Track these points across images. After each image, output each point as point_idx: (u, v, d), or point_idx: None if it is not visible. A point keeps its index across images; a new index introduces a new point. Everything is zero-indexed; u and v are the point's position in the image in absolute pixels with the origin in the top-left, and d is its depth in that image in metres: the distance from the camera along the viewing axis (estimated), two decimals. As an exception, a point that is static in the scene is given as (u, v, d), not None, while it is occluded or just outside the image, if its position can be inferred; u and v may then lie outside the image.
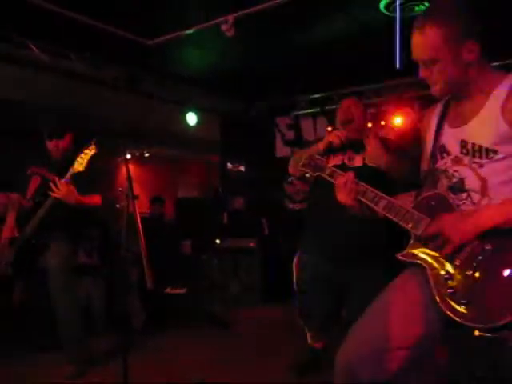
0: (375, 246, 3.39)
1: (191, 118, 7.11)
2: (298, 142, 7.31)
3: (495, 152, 1.82)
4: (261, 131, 7.65)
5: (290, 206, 7.04)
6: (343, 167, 3.43)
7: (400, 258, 1.95)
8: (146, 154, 8.63)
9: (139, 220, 3.09)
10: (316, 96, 7.14)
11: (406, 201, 2.05)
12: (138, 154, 8.57)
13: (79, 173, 3.89)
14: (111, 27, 4.94)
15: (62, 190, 3.87)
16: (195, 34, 5.03)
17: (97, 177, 4.26)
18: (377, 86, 6.71)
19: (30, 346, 4.67)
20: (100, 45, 5.36)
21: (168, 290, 5.86)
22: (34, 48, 5.24)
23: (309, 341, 3.92)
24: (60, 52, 5.47)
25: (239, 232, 6.67)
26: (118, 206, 5.69)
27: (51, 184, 3.90)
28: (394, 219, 1.96)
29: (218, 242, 6.35)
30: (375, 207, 2.02)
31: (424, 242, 1.89)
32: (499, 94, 1.84)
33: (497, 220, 1.72)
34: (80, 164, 3.86)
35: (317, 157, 2.35)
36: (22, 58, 5.33)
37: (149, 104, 6.95)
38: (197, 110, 7.19)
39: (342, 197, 2.13)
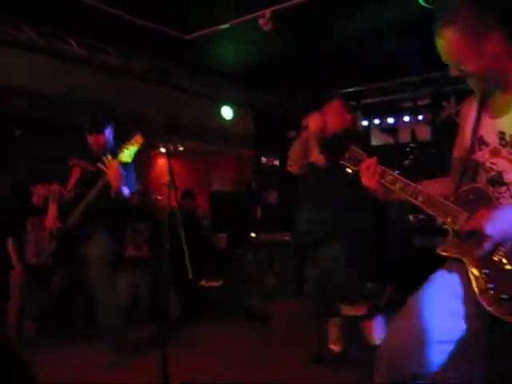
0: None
1: (227, 112, 7.13)
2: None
3: None
4: (295, 125, 7.63)
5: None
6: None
7: (440, 252, 1.93)
8: (181, 148, 8.68)
9: (179, 212, 3.15)
10: (351, 90, 7.09)
11: (430, 187, 2.04)
12: (172, 147, 8.62)
13: (125, 164, 3.91)
14: (148, 22, 4.99)
15: (112, 169, 3.86)
16: (231, 29, 5.05)
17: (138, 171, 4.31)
18: (414, 80, 6.64)
19: (70, 334, 4.78)
20: (137, 39, 5.41)
21: (203, 283, 5.91)
22: (73, 42, 5.33)
23: (329, 343, 4.02)
24: (97, 46, 5.55)
25: (273, 226, 6.69)
26: (159, 198, 5.79)
27: (103, 162, 3.90)
28: (433, 213, 1.94)
29: (253, 235, 6.37)
30: (414, 201, 1.98)
31: (462, 238, 1.87)
32: None
33: None
34: (127, 155, 3.86)
35: (357, 150, 2.34)
36: (61, 52, 5.41)
37: (184, 98, 6.99)
38: (232, 104, 7.20)
39: (366, 180, 2.12)
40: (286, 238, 6.37)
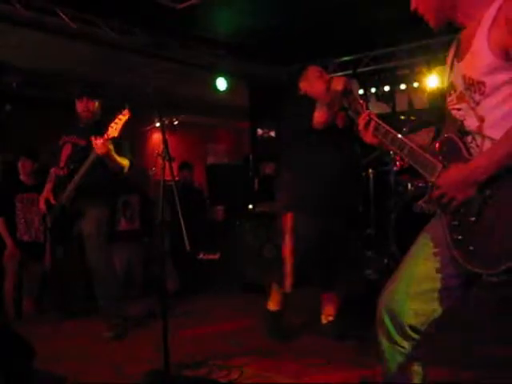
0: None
1: (221, 84, 7.05)
2: (329, 106, 7.21)
3: (484, 85, 1.75)
4: (290, 95, 7.55)
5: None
6: None
7: (420, 204, 1.97)
8: (176, 122, 8.61)
9: (175, 184, 3.12)
10: (347, 58, 7.01)
11: (426, 137, 2.13)
12: (166, 121, 8.56)
13: (113, 138, 3.89)
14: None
15: (100, 147, 3.84)
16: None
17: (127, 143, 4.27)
18: (409, 47, 6.55)
19: (70, 310, 4.79)
20: (128, 11, 5.31)
21: (201, 256, 5.91)
22: (64, 17, 5.22)
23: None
24: (90, 20, 5.44)
25: (271, 197, 6.64)
26: (152, 169, 5.75)
27: (92, 142, 3.87)
28: (414, 165, 1.97)
29: (250, 207, 6.33)
30: (400, 153, 2.04)
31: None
32: (486, 19, 1.74)
33: (491, 169, 1.69)
34: (114, 130, 3.86)
35: (358, 100, 2.35)
36: (52, 26, 5.31)
37: (178, 71, 6.91)
38: (226, 76, 7.11)
39: (362, 133, 2.18)
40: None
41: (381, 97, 7.35)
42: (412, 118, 6.18)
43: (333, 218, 3.65)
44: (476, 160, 1.76)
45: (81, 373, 3.29)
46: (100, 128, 3.96)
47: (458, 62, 1.90)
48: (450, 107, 1.94)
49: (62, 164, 4.29)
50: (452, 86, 1.93)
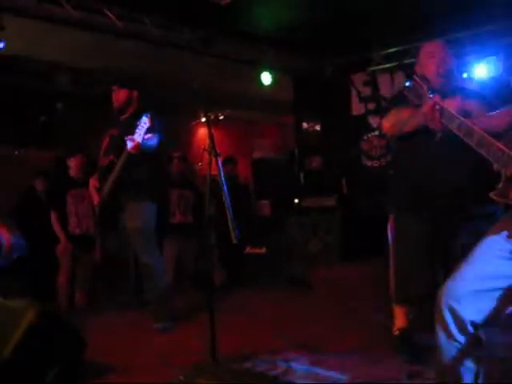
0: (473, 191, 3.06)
1: (266, 78, 7.04)
2: (375, 99, 7.11)
3: None
4: (336, 89, 7.49)
5: (369, 163, 6.91)
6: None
7: (493, 197, 1.87)
8: (221, 117, 8.66)
9: (222, 178, 3.14)
10: (393, 50, 6.88)
11: (502, 121, 1.98)
12: (212, 116, 8.61)
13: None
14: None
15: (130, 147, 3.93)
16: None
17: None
18: (457, 36, 6.38)
19: (118, 303, 4.89)
20: (173, 7, 5.36)
21: (248, 250, 5.94)
22: (110, 14, 5.31)
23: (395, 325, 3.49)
24: (135, 18, 5.52)
25: (317, 191, 6.63)
26: (199, 164, 5.81)
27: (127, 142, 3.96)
28: (485, 155, 1.87)
29: (296, 201, 6.33)
30: (468, 140, 1.93)
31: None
32: None
33: None
34: (139, 135, 3.92)
35: (419, 82, 2.24)
36: (99, 25, 5.41)
37: (223, 66, 6.93)
38: (271, 70, 7.10)
39: (427, 119, 2.15)
40: (331, 203, 6.30)
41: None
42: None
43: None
44: None
45: (129, 364, 3.36)
46: (131, 125, 4.04)
47: None
48: None
49: (101, 155, 4.44)
50: None
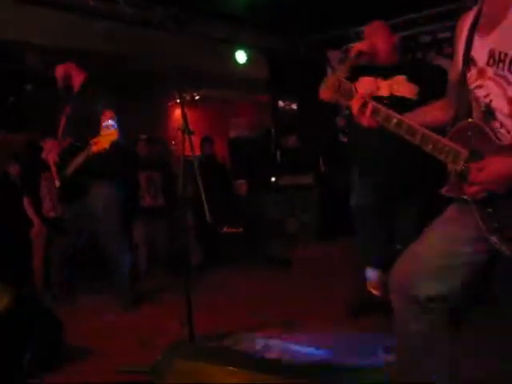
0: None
1: (240, 56, 6.99)
2: (350, 76, 7.11)
3: None
4: (312, 67, 7.45)
5: (344, 139, 6.91)
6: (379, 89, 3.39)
7: (444, 193, 1.87)
8: (197, 97, 8.58)
9: (195, 158, 3.12)
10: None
11: (423, 115, 2.01)
12: (188, 97, 8.53)
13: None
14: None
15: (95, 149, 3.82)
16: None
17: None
18: (431, 13, 6.38)
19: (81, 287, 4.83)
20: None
21: (225, 229, 5.94)
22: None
23: (368, 287, 3.72)
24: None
25: (294, 170, 6.62)
26: (173, 144, 5.78)
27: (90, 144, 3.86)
28: (431, 151, 1.83)
29: (273, 179, 6.33)
30: (410, 138, 1.88)
31: (463, 178, 1.77)
32: None
33: None
34: (105, 142, 3.76)
35: (344, 80, 2.11)
36: (70, 3, 5.30)
37: (197, 45, 6.85)
38: (245, 49, 7.05)
39: (359, 118, 2.02)
40: (307, 181, 6.29)
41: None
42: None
43: None
44: None
45: (106, 346, 3.36)
46: (83, 96, 4.08)
47: (482, 35, 1.78)
48: (470, 84, 1.82)
49: (60, 136, 4.38)
50: (471, 61, 1.81)
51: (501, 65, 1.68)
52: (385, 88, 3.39)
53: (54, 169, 4.34)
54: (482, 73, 1.77)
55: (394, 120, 1.92)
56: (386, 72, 3.42)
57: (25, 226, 5.28)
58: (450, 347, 1.93)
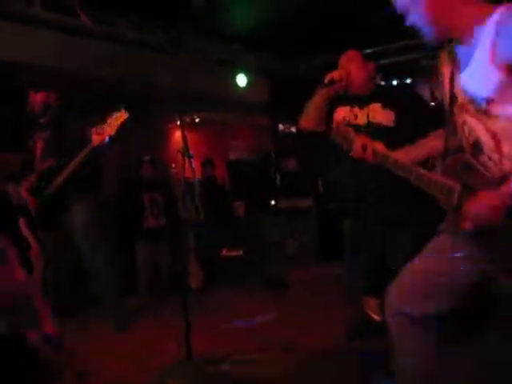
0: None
1: (241, 80, 7.04)
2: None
3: (491, 100, 1.69)
4: (312, 90, 7.50)
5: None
6: (349, 126, 3.36)
7: (443, 229, 1.95)
8: (197, 120, 8.61)
9: (195, 179, 3.14)
10: (369, 51, 6.93)
11: (430, 143, 2.14)
12: (188, 119, 8.56)
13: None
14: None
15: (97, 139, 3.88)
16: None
17: None
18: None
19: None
20: (146, 8, 5.32)
21: (224, 253, 5.91)
22: (81, 15, 5.24)
23: (367, 311, 3.76)
24: (105, 18, 5.46)
25: (293, 193, 6.63)
26: (173, 167, 5.77)
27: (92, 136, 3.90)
28: (426, 189, 1.94)
29: (272, 202, 6.33)
30: (406, 176, 2.02)
31: (457, 210, 1.83)
32: (488, 32, 1.65)
33: None
34: (112, 127, 3.89)
35: (343, 127, 2.35)
36: (69, 26, 5.34)
37: (197, 68, 6.91)
38: (246, 72, 7.10)
39: (366, 160, 2.21)
40: (306, 204, 6.30)
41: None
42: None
43: None
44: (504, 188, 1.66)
45: (103, 367, 3.33)
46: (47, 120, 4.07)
47: (460, 72, 1.83)
48: (457, 120, 1.87)
49: (38, 159, 4.29)
50: (454, 97, 1.86)
51: (477, 103, 1.73)
52: (362, 116, 3.45)
53: (29, 198, 4.27)
54: (464, 109, 1.82)
55: (391, 160, 2.09)
56: (361, 100, 3.48)
57: (23, 247, 5.24)
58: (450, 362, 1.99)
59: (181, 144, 3.27)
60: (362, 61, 3.62)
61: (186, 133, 3.35)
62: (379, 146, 2.19)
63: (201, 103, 7.84)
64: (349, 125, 3.41)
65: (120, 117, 3.90)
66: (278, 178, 7.22)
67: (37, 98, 4.24)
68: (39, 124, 4.29)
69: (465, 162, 1.83)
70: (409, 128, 3.03)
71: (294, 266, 5.80)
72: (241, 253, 5.96)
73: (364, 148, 2.16)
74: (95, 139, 3.89)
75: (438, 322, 1.92)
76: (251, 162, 8.31)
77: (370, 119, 3.39)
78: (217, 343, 3.69)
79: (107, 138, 3.91)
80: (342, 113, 3.55)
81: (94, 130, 3.89)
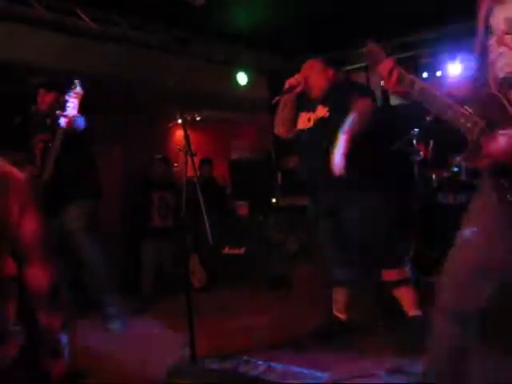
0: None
1: (241, 78, 7.05)
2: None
3: None
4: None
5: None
6: (303, 131, 3.74)
7: (461, 161, 1.91)
8: (198, 118, 8.60)
9: (197, 178, 3.14)
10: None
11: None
12: (189, 118, 8.55)
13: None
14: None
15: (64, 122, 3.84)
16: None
17: None
18: (432, 36, 6.44)
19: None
20: (149, 9, 5.32)
21: (226, 251, 5.92)
22: (84, 16, 5.25)
23: (334, 310, 3.84)
24: (109, 19, 5.46)
25: (295, 191, 6.62)
26: (175, 165, 5.77)
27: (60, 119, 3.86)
28: (449, 120, 1.87)
29: (274, 201, 6.34)
30: (430, 107, 1.93)
31: (478, 149, 1.79)
32: None
33: None
34: (73, 108, 3.83)
35: (376, 49, 2.18)
36: (73, 27, 5.35)
37: (199, 66, 6.91)
38: (246, 70, 7.11)
39: (389, 87, 2.05)
40: (307, 201, 6.28)
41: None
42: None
43: None
44: None
45: (108, 367, 3.35)
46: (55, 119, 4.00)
47: (500, 2, 1.80)
48: (491, 53, 1.83)
49: (38, 164, 4.25)
50: (491, 30, 1.84)
51: None
52: (313, 119, 3.69)
53: None
54: (500, 41, 1.78)
55: (417, 86, 1.96)
56: (313, 104, 3.71)
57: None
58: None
59: (182, 142, 3.28)
60: (322, 67, 3.80)
61: (187, 131, 3.36)
62: (404, 72, 2.05)
63: (202, 102, 7.85)
64: (303, 129, 3.73)
65: (76, 94, 3.84)
66: (280, 176, 7.21)
67: (46, 99, 4.24)
68: (44, 124, 4.28)
69: (492, 98, 1.79)
70: (342, 115, 3.32)
71: (295, 263, 5.80)
72: (243, 251, 5.97)
73: (392, 69, 2.03)
74: (64, 123, 3.84)
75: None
76: (252, 161, 8.30)
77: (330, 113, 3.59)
78: (220, 342, 3.69)
79: (76, 119, 3.88)
80: (301, 118, 3.79)
81: (60, 114, 3.83)
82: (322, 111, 3.62)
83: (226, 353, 3.42)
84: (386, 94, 6.94)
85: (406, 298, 3.55)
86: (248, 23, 6.03)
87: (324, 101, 3.66)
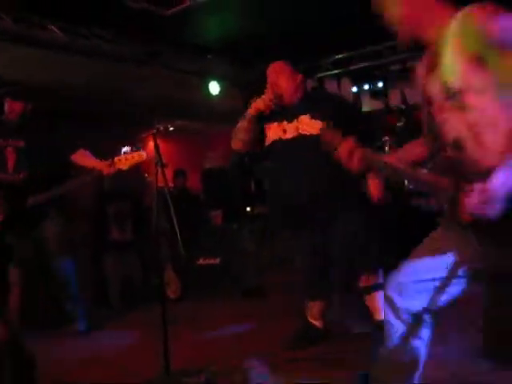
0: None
1: (214, 88, 7.06)
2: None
3: (465, 92, 1.75)
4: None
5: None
6: (280, 141, 3.53)
7: (442, 222, 1.99)
8: (171, 128, 8.57)
9: (168, 189, 3.12)
10: (340, 56, 6.99)
11: (414, 150, 2.11)
12: (162, 128, 8.51)
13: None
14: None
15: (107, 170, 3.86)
16: (211, 1, 4.95)
17: None
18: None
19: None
20: (118, 20, 5.31)
21: (201, 261, 5.89)
22: (54, 28, 5.21)
23: (308, 317, 3.81)
24: (78, 31, 5.43)
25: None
26: (146, 176, 5.72)
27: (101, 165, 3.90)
28: (419, 187, 1.99)
29: (248, 209, 6.34)
30: (398, 178, 2.09)
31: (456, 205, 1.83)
32: (452, 30, 1.76)
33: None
34: (124, 163, 3.86)
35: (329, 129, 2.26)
36: (42, 39, 5.30)
37: (170, 77, 6.91)
38: (219, 80, 7.13)
39: (350, 166, 2.10)
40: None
41: (374, 93, 7.34)
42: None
43: None
44: (497, 176, 1.67)
45: (81, 380, 3.30)
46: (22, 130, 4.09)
47: (434, 70, 1.88)
48: (437, 121, 1.91)
49: (10, 170, 4.16)
50: (431, 99, 1.91)
51: (455, 97, 1.78)
52: (291, 130, 3.47)
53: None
54: (441, 108, 1.86)
55: (380, 163, 2.07)
56: (289, 114, 3.50)
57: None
58: None
59: (154, 153, 3.26)
60: (291, 72, 3.62)
61: (159, 142, 3.35)
62: (365, 151, 2.11)
63: (174, 112, 7.84)
64: (280, 140, 3.51)
65: (137, 156, 3.83)
66: (253, 184, 7.23)
67: (15, 107, 4.20)
68: (14, 131, 4.24)
69: (450, 160, 1.86)
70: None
71: (270, 274, 5.81)
72: (217, 261, 5.94)
73: (351, 152, 2.07)
74: (105, 169, 3.84)
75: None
76: (225, 170, 8.30)
77: (300, 131, 3.37)
78: (195, 354, 3.66)
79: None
80: (272, 129, 3.59)
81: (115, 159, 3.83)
82: (308, 124, 3.21)
83: (200, 364, 3.38)
84: (357, 100, 7.03)
85: (377, 303, 3.56)
86: (219, 34, 6.06)
87: (302, 110, 3.44)
